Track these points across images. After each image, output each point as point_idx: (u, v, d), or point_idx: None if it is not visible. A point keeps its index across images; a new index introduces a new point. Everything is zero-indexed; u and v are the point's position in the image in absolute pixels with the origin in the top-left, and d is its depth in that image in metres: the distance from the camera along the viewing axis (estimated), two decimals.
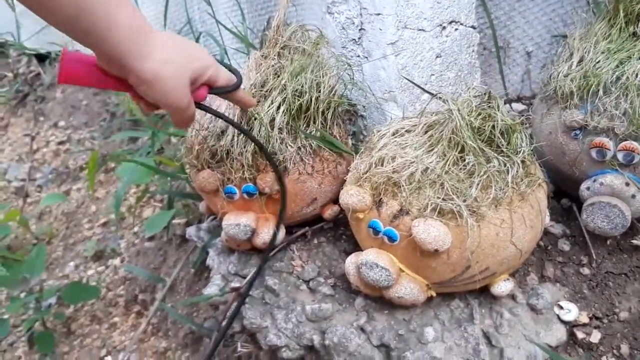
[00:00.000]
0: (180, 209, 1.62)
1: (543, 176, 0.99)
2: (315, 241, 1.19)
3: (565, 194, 1.16)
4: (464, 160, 0.92)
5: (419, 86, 1.15)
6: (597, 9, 1.16)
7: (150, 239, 1.75)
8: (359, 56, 1.18)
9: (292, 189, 1.09)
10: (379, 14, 1.10)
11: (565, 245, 1.10)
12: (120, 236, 1.89)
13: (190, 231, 1.33)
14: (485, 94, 0.98)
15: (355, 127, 1.25)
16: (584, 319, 1.01)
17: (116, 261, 1.85)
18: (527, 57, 1.40)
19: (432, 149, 0.95)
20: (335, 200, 1.12)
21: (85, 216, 2.08)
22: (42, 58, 2.68)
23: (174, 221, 1.64)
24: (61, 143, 2.40)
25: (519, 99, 1.43)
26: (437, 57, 1.17)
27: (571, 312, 1.00)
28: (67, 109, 2.48)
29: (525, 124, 1.07)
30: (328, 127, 1.12)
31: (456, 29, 1.18)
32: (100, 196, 2.11)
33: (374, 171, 0.97)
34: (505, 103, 1.40)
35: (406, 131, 1.02)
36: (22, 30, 2.65)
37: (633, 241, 1.06)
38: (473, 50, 1.23)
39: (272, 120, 1.06)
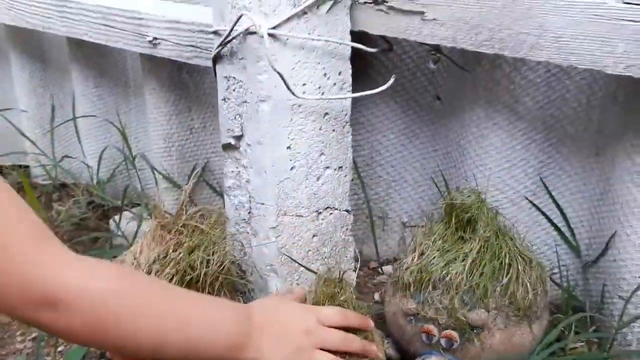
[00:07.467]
0: None
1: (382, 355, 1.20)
2: None
3: None
4: None
5: (296, 261, 1.37)
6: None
7: None
8: (248, 233, 1.40)
9: None
10: (263, 204, 1.33)
11: None
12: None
13: None
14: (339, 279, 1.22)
15: (243, 297, 1.47)
16: None
17: None
18: (402, 226, 1.65)
19: None
20: None
21: (20, 327, 2.19)
22: None
23: None
24: None
25: (395, 260, 1.67)
26: (313, 236, 1.40)
27: None
28: None
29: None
30: (215, 295, 1.33)
31: (331, 213, 1.41)
32: None
33: None
34: (380, 265, 1.64)
35: None
36: None
37: None
38: (347, 229, 1.47)
39: None
